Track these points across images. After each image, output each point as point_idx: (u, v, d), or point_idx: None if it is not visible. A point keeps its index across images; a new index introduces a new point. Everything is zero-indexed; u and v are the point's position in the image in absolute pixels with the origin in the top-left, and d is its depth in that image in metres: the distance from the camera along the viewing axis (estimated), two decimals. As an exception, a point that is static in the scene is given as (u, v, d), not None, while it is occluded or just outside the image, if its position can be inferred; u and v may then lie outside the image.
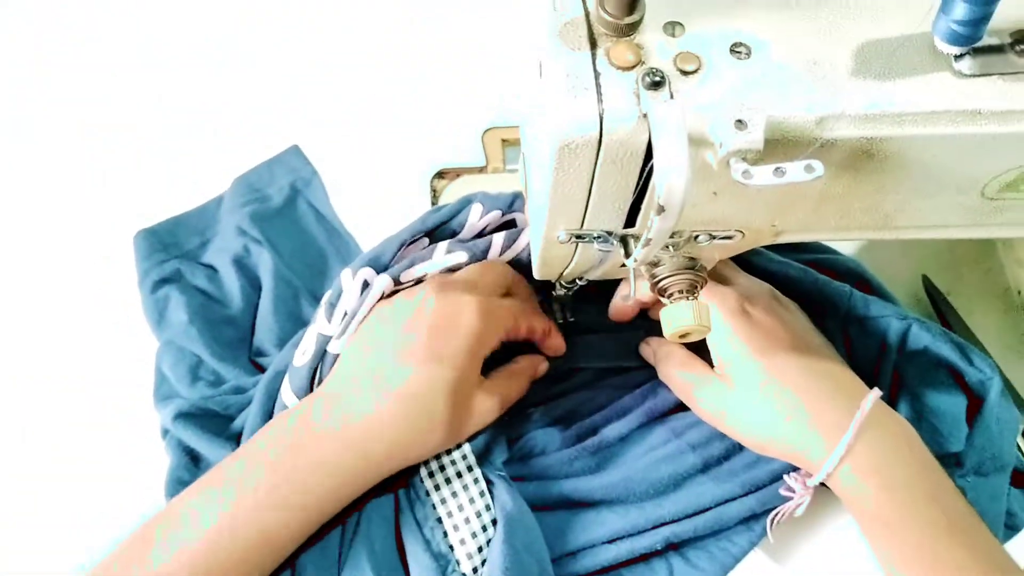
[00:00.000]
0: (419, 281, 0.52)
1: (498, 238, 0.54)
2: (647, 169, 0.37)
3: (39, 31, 0.71)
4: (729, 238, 0.43)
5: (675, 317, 0.43)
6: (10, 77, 0.69)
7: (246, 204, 0.61)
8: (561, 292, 0.55)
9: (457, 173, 0.64)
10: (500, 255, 0.54)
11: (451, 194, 0.63)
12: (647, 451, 0.53)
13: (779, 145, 0.35)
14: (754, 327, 0.49)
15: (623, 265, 0.45)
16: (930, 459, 0.46)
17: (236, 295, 0.58)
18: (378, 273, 0.52)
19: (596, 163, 0.36)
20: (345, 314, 0.51)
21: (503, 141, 0.65)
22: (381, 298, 0.51)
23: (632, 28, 0.36)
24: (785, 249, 0.55)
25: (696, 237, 0.42)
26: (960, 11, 0.34)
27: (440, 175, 0.64)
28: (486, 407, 0.49)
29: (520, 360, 0.53)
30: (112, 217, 0.63)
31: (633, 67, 0.35)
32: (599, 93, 0.35)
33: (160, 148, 0.66)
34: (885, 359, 0.53)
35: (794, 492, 0.49)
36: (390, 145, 0.66)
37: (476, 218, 0.55)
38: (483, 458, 0.51)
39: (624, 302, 0.54)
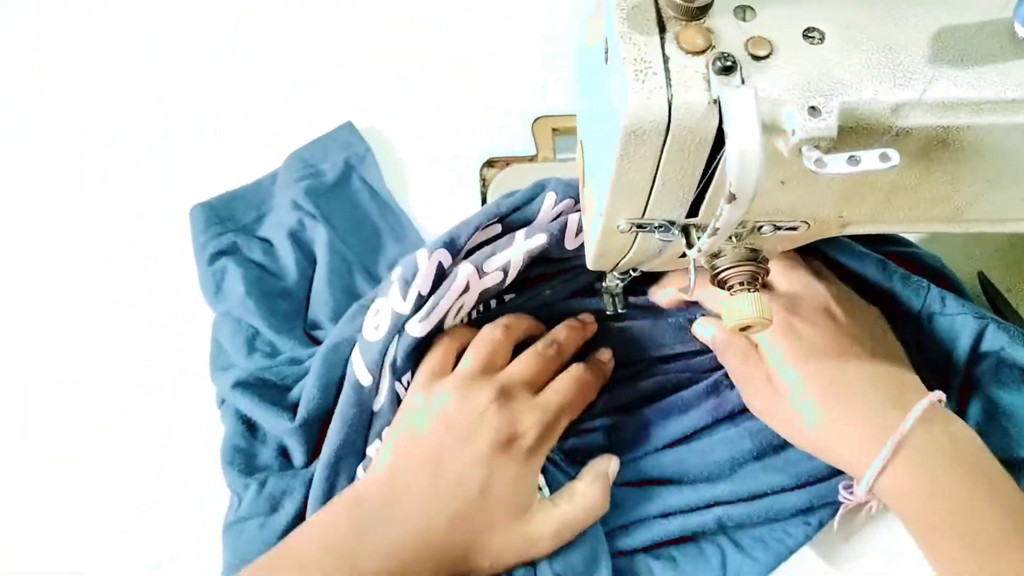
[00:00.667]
0: (504, 271, 0.52)
1: (573, 219, 0.53)
2: (714, 157, 0.36)
3: (43, 30, 0.71)
4: (794, 229, 0.42)
5: (736, 310, 0.42)
6: (12, 76, 0.69)
7: (301, 179, 0.62)
8: (613, 283, 0.54)
9: (507, 162, 0.64)
10: (576, 236, 0.53)
11: (500, 183, 0.63)
12: (705, 434, 0.53)
13: (852, 133, 0.34)
14: (796, 339, 0.48)
15: (682, 255, 0.44)
16: (987, 464, 0.45)
17: (291, 268, 0.59)
18: (452, 255, 0.52)
19: (663, 150, 0.36)
20: (420, 295, 0.51)
21: (553, 130, 0.65)
22: (463, 293, 0.51)
23: (702, 12, 0.35)
24: (865, 240, 0.54)
25: (760, 228, 0.42)
26: (1045, -4, 0.33)
27: (490, 164, 0.64)
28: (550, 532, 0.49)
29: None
30: (120, 214, 0.64)
31: (703, 51, 0.34)
32: (668, 78, 0.34)
33: (197, 137, 0.67)
34: (957, 357, 0.52)
35: (850, 497, 0.48)
36: (440, 132, 0.65)
37: (550, 206, 0.54)
38: None
39: (679, 295, 0.53)
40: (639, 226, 0.41)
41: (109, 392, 0.58)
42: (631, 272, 0.52)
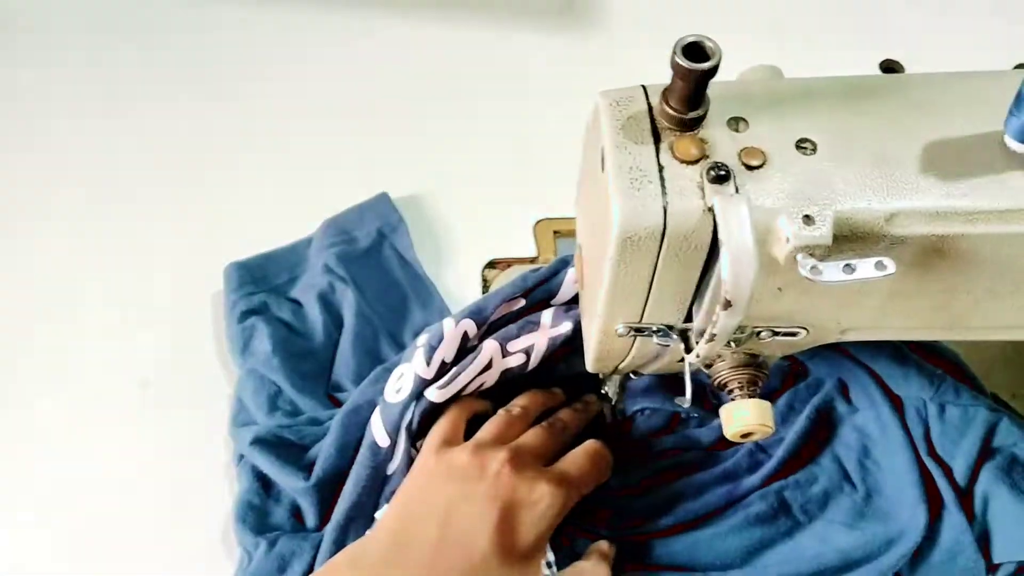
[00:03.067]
0: (527, 354, 0.53)
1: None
2: (709, 263, 0.36)
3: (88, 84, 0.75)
4: (793, 335, 0.42)
5: (736, 416, 0.42)
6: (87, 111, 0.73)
7: (334, 245, 0.63)
8: (613, 390, 0.54)
9: (508, 263, 0.64)
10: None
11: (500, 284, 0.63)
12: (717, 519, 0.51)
13: (847, 241, 0.35)
14: None
15: (681, 360, 0.44)
16: None
17: (318, 330, 0.60)
18: (478, 326, 0.53)
19: (659, 257, 0.36)
20: (444, 362, 0.52)
21: (555, 233, 0.65)
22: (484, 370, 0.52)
23: (696, 123, 0.36)
24: None
25: (759, 333, 0.41)
26: (1033, 111, 0.34)
27: (491, 265, 0.64)
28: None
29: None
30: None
31: (697, 161, 0.35)
32: (663, 186, 0.35)
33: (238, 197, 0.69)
34: (966, 449, 0.50)
35: None
36: (442, 234, 0.66)
37: (572, 280, 0.54)
38: None
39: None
40: (637, 330, 0.41)
41: (129, 446, 0.58)
42: (631, 375, 0.52)
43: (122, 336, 0.62)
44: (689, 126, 0.36)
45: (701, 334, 0.40)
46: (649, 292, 0.38)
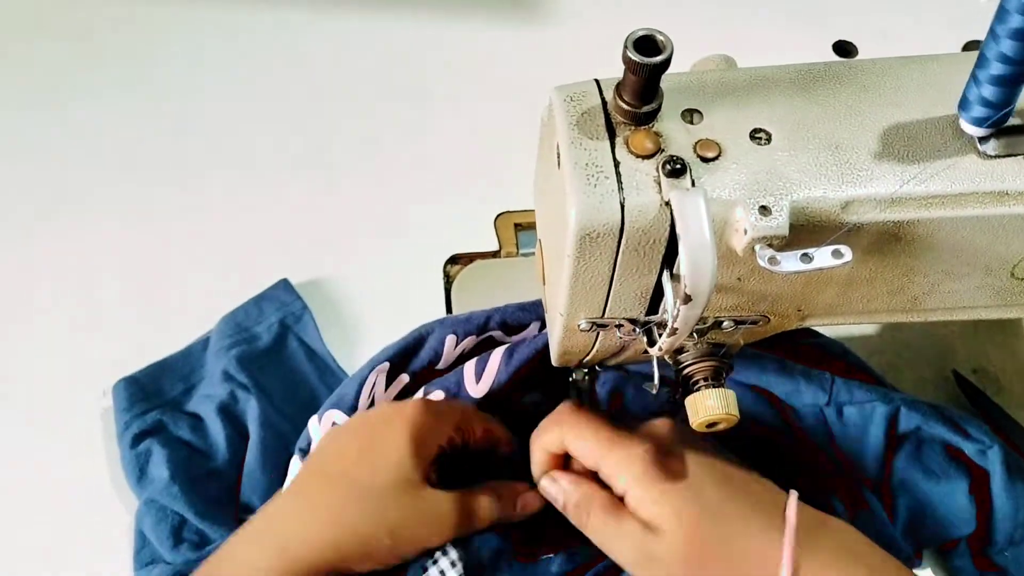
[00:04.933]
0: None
1: (468, 368, 0.52)
2: (669, 256, 0.36)
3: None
4: (755, 323, 0.42)
5: (701, 406, 0.42)
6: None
7: (232, 346, 0.57)
8: (581, 377, 0.53)
9: (471, 258, 0.64)
10: (477, 383, 0.52)
11: (465, 279, 0.63)
12: None
13: (804, 230, 0.35)
14: (672, 484, 0.43)
15: (645, 352, 0.43)
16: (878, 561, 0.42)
17: (222, 446, 0.54)
18: (347, 413, 0.51)
19: (618, 252, 0.36)
20: None
21: (516, 226, 0.65)
22: None
23: (650, 117, 0.35)
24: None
25: (721, 323, 0.41)
26: (988, 94, 0.34)
27: (453, 260, 0.64)
28: (438, 512, 0.45)
29: (498, 484, 0.49)
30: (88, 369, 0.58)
31: (653, 155, 0.35)
32: (619, 181, 0.34)
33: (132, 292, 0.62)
34: (872, 446, 0.51)
35: None
36: (402, 231, 0.65)
37: (451, 347, 0.54)
38: None
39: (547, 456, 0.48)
40: (600, 325, 0.41)
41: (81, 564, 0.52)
42: (596, 368, 0.52)
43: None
44: (643, 120, 0.35)
45: (663, 327, 0.40)
46: (610, 287, 0.38)
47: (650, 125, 0.36)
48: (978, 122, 0.35)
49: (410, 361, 0.54)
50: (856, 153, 0.35)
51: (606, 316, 0.40)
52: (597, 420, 0.46)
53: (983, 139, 0.35)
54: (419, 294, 0.62)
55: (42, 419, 0.57)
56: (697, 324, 0.41)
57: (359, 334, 0.60)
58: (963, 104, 0.35)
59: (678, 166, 0.34)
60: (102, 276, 0.63)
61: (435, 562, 0.46)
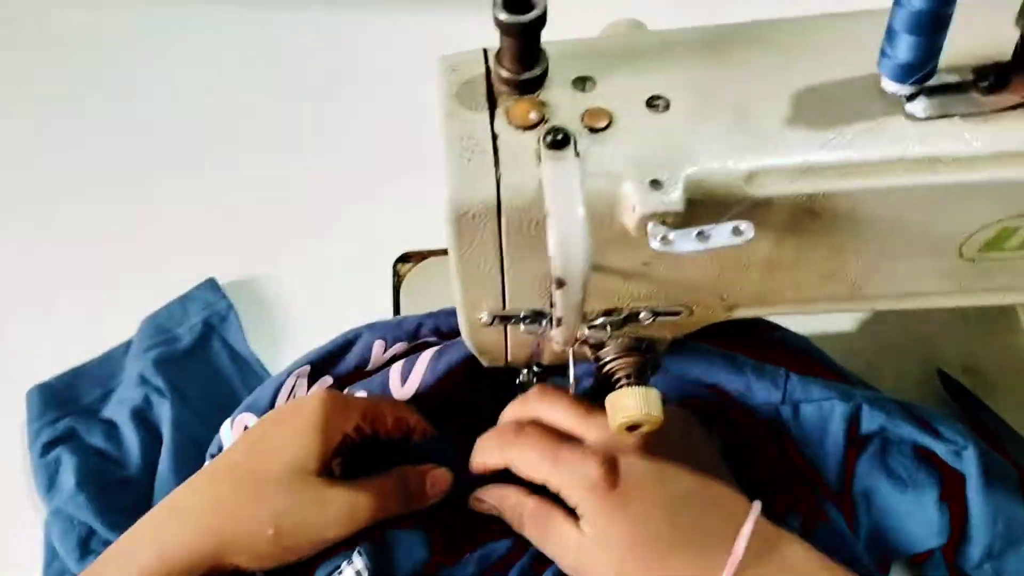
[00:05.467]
0: None
1: (395, 369, 0.50)
2: (560, 239, 0.33)
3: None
4: (676, 315, 0.38)
5: (620, 407, 0.38)
6: None
7: (151, 348, 0.55)
8: (524, 378, 0.50)
9: (423, 256, 0.61)
10: (402, 385, 0.49)
11: (415, 278, 0.60)
12: None
13: (705, 207, 0.31)
14: (618, 500, 0.39)
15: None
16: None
17: (135, 453, 0.52)
18: (258, 416, 0.49)
19: (501, 235, 0.32)
20: None
21: (472, 221, 0.62)
22: None
23: (534, 84, 0.32)
24: (719, 331, 0.46)
25: (638, 315, 0.38)
26: (905, 44, 0.30)
27: (404, 259, 0.61)
28: (331, 502, 0.42)
29: (404, 468, 0.46)
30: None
31: (535, 126, 0.31)
32: (496, 156, 0.31)
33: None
34: (831, 447, 0.46)
35: None
36: (350, 230, 0.63)
37: (380, 352, 0.51)
38: None
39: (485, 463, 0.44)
40: (503, 318, 0.37)
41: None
42: (534, 368, 0.48)
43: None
44: (526, 88, 0.32)
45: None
46: (504, 275, 0.35)
47: (535, 94, 0.32)
48: (898, 77, 0.31)
49: (335, 365, 0.51)
50: (765, 120, 0.32)
51: (508, 308, 0.37)
52: (541, 435, 0.42)
53: (911, 98, 0.31)
54: (366, 294, 0.59)
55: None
56: (611, 316, 0.38)
57: (295, 337, 0.57)
58: (882, 59, 0.31)
59: (560, 137, 0.31)
60: (27, 279, 0.61)
61: (340, 572, 0.43)
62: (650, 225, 0.30)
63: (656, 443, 0.41)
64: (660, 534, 0.39)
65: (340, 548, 0.43)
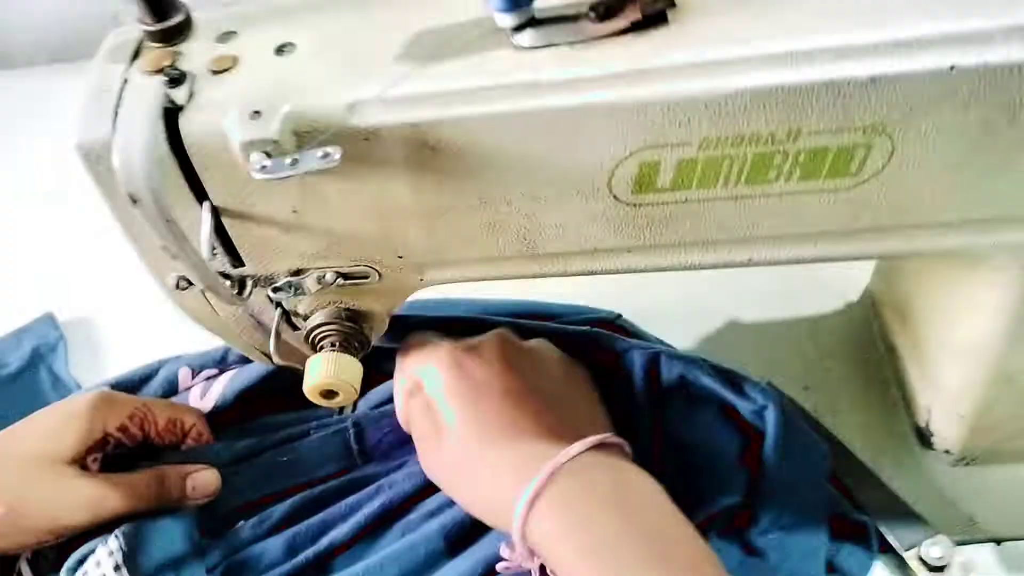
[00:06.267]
0: None
1: (195, 389, 0.51)
2: (192, 182, 0.33)
3: None
4: (363, 278, 0.38)
5: (312, 369, 0.38)
6: None
7: None
8: None
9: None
10: (201, 399, 0.51)
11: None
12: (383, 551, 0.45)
13: (311, 139, 0.31)
14: (467, 380, 0.41)
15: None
16: (645, 512, 0.36)
17: None
18: None
19: (130, 180, 0.33)
20: None
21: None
22: None
23: (171, 35, 0.34)
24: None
25: (324, 277, 0.37)
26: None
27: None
28: (72, 489, 0.43)
29: (164, 467, 0.46)
30: None
31: (161, 71, 0.33)
32: (120, 97, 0.32)
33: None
34: (633, 400, 0.45)
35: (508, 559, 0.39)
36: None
37: (186, 378, 0.53)
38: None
39: None
40: (189, 281, 0.38)
41: None
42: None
43: None
44: (164, 38, 0.34)
45: (263, 280, 0.37)
46: (169, 230, 0.35)
47: (175, 45, 0.34)
48: (502, 7, 0.31)
49: (138, 390, 0.52)
50: (378, 59, 0.32)
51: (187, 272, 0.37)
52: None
53: (518, 29, 0.31)
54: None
55: None
56: (297, 276, 0.38)
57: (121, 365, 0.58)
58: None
59: (175, 75, 0.32)
60: None
61: (93, 552, 0.42)
62: (252, 155, 0.31)
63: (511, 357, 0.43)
64: (487, 424, 0.40)
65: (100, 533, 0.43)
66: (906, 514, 0.46)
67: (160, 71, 0.33)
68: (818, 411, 0.50)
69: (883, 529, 0.45)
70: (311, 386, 0.37)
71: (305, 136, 0.31)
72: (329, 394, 0.38)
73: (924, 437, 0.49)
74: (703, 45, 0.30)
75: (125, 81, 0.33)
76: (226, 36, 0.34)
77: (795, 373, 0.53)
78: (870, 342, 0.54)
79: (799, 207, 0.34)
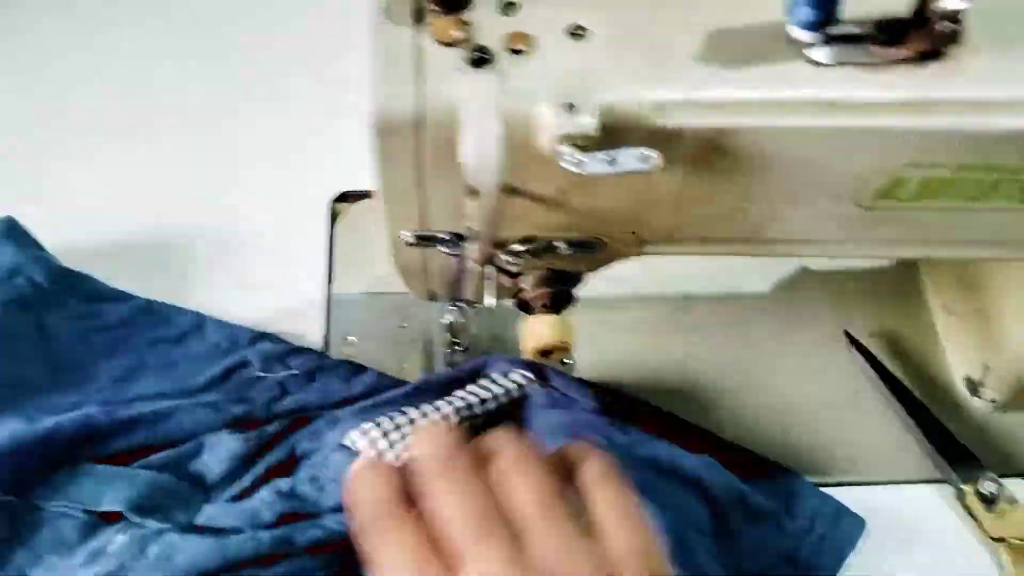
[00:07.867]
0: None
1: None
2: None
3: None
4: (591, 247, 0.39)
5: (533, 333, 0.40)
6: None
7: None
8: (450, 318, 0.51)
9: (361, 196, 0.61)
10: None
11: (352, 218, 0.60)
12: None
13: (617, 133, 0.32)
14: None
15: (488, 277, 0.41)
16: None
17: None
18: None
19: (420, 150, 0.33)
20: None
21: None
22: None
23: (460, 4, 0.33)
24: None
25: (555, 246, 0.39)
26: (811, -5, 0.32)
27: (342, 198, 0.61)
28: None
29: None
30: None
31: (458, 44, 0.33)
32: (418, 70, 0.32)
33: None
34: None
35: None
36: (288, 170, 0.63)
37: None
38: None
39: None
40: (423, 238, 0.39)
41: None
42: (460, 304, 0.49)
43: None
44: (452, 6, 0.33)
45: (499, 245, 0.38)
46: (423, 193, 0.36)
47: (460, 13, 0.33)
48: (804, 25, 0.32)
49: None
50: (678, 55, 0.33)
51: (428, 228, 0.38)
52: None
53: (814, 47, 0.33)
54: (303, 233, 0.60)
55: None
56: (530, 244, 0.39)
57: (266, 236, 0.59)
58: (792, 9, 0.33)
59: (482, 55, 0.32)
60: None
61: None
62: (563, 147, 0.32)
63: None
64: None
65: None
66: (963, 451, 0.54)
67: (455, 43, 0.33)
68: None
69: (943, 465, 0.53)
70: (534, 348, 0.39)
71: (611, 131, 0.32)
72: (546, 353, 0.40)
73: (973, 387, 0.56)
74: (978, 83, 0.33)
75: (419, 50, 0.33)
76: (508, 7, 0.34)
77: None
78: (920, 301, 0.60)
79: (1004, 220, 0.38)
